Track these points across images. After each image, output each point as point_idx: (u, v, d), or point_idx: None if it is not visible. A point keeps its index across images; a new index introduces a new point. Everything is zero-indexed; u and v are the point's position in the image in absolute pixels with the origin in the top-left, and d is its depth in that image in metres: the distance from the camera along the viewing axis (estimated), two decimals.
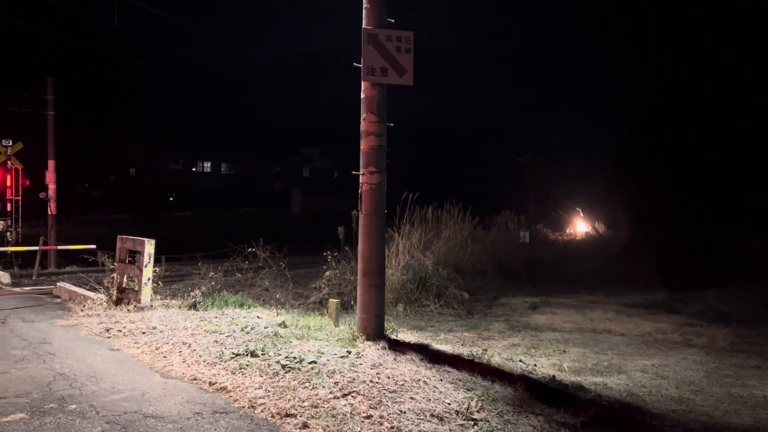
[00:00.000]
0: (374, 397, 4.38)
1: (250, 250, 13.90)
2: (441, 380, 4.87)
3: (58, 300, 9.48)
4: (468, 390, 4.68)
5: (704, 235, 23.09)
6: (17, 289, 11.19)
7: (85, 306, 8.51)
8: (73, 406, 4.29)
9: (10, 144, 18.08)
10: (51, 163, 19.14)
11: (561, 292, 13.41)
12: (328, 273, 12.13)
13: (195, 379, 4.99)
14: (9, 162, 18.09)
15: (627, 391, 5.54)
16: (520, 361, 6.29)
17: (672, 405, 5.17)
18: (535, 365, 6.21)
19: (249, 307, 8.22)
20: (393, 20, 6.13)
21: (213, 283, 10.37)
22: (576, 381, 5.62)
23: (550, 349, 7.50)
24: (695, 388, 5.81)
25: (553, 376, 5.62)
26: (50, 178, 19.06)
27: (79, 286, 10.12)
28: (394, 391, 4.53)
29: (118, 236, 8.80)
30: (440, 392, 4.58)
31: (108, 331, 6.82)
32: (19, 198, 18.33)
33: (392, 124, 6.25)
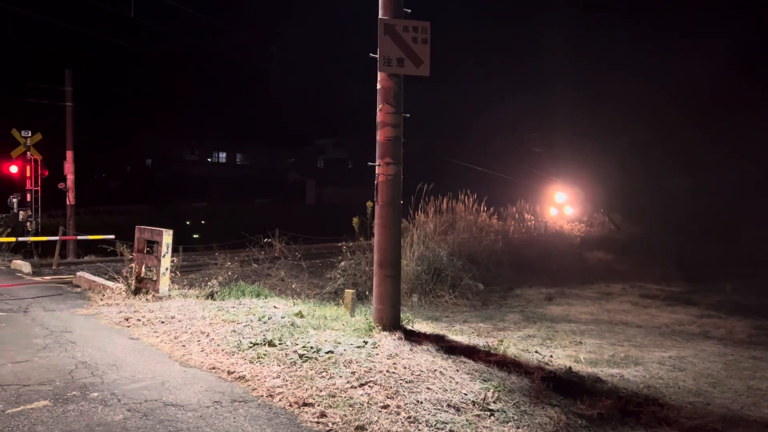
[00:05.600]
0: (391, 387, 4.41)
1: (265, 240, 14.02)
2: (457, 371, 4.89)
3: (78, 289, 9.62)
4: (484, 381, 4.69)
5: (723, 226, 22.83)
6: (38, 279, 11.36)
7: (104, 295, 8.63)
8: (95, 394, 4.37)
9: (29, 135, 18.32)
10: (69, 154, 19.36)
11: (577, 283, 13.36)
12: (343, 263, 12.18)
13: (214, 368, 5.05)
14: (28, 153, 18.34)
15: (644, 382, 5.52)
16: (536, 352, 6.29)
17: (690, 397, 5.15)
18: (551, 356, 6.21)
19: (266, 297, 8.28)
20: (409, 10, 6.10)
21: (230, 273, 10.47)
22: (592, 372, 5.61)
23: (566, 341, 7.49)
24: (713, 380, 5.78)
25: (570, 368, 5.61)
26: (68, 168, 19.29)
27: (99, 276, 10.26)
28: (411, 381, 4.55)
29: (137, 227, 8.90)
30: (456, 383, 4.60)
31: (127, 320, 6.91)
32: (39, 188, 18.58)
33: (408, 115, 6.24)
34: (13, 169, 18.38)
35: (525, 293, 12.08)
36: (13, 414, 3.96)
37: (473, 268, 12.57)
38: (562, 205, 30.62)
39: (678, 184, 27.29)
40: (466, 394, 4.36)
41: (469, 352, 5.51)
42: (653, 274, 14.58)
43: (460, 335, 6.69)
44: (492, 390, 4.45)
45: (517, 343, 6.87)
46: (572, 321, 9.14)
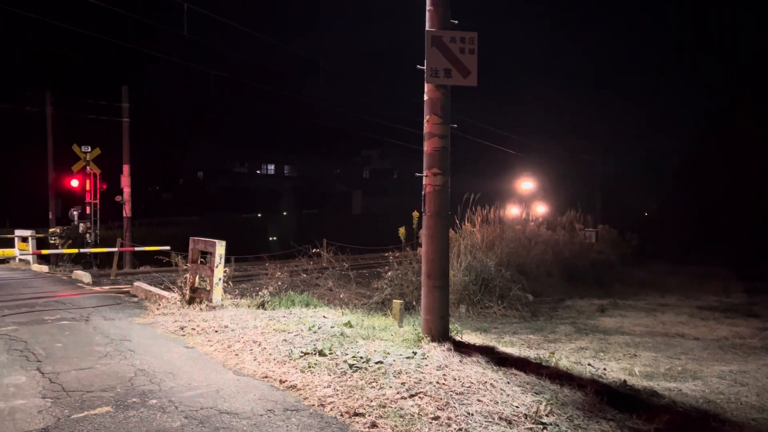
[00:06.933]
0: (441, 399, 4.40)
1: (314, 250, 14.20)
2: (508, 383, 4.84)
3: (135, 299, 9.95)
4: (536, 393, 4.63)
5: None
6: (97, 288, 11.80)
7: (160, 305, 8.89)
8: (154, 401, 4.51)
9: (89, 150, 19.10)
10: (126, 168, 20.11)
11: (630, 294, 13.03)
12: (389, 273, 12.22)
13: (266, 377, 5.14)
14: (88, 167, 19.11)
15: (703, 397, 5.34)
16: (589, 364, 6.16)
17: (753, 413, 4.95)
18: (605, 369, 6.07)
19: (315, 307, 8.38)
20: (456, 21, 6.12)
21: (279, 283, 10.65)
22: (648, 386, 5.46)
23: (619, 353, 7.31)
24: None
25: (624, 381, 5.48)
26: (125, 182, 20.03)
27: (154, 286, 10.58)
28: (461, 393, 4.53)
29: (191, 238, 9.15)
30: (508, 395, 4.55)
31: (182, 329, 7.11)
32: (98, 201, 19.33)
33: (456, 125, 6.25)
34: (74, 183, 19.19)
35: (576, 304, 11.84)
36: (77, 419, 4.13)
37: (522, 279, 12.41)
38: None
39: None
40: (517, 407, 4.31)
41: (520, 364, 5.44)
42: (711, 284, 14.07)
43: (510, 347, 6.62)
44: (544, 403, 4.39)
45: (569, 355, 6.74)
46: (626, 333, 8.91)
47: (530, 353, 6.19)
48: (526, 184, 24.34)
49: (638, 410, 4.47)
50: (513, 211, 15.26)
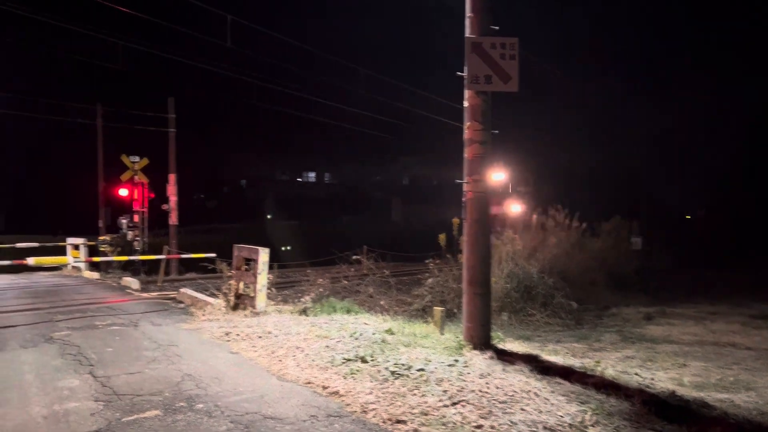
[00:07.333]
0: (484, 407, 4.37)
1: (354, 257, 14.29)
2: (552, 392, 4.77)
3: (182, 305, 10.18)
4: (581, 403, 4.55)
5: None
6: (145, 295, 12.12)
7: (205, 311, 9.09)
8: (200, 405, 4.61)
9: (137, 160, 19.68)
10: (172, 177, 20.64)
11: (678, 301, 12.67)
12: (430, 280, 12.19)
13: (309, 383, 5.19)
14: (136, 177, 19.68)
15: (757, 409, 5.14)
16: (636, 374, 6.02)
17: None
18: (653, 379, 5.91)
19: (356, 314, 8.43)
20: (497, 27, 6.10)
21: (321, 290, 10.74)
22: (698, 397, 5.29)
23: (668, 363, 7.11)
24: None
25: (673, 391, 5.32)
26: (171, 190, 20.55)
27: (200, 292, 10.81)
28: (504, 402, 4.49)
29: (235, 245, 9.33)
30: (552, 404, 4.49)
31: (227, 335, 7.24)
32: (145, 210, 19.88)
33: (497, 131, 6.22)
34: (123, 192, 19.79)
35: (622, 312, 11.58)
36: (128, 422, 4.25)
37: (565, 286, 12.19)
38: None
39: None
40: (562, 417, 4.25)
41: (564, 373, 5.36)
42: (765, 292, 13.56)
43: (553, 355, 6.52)
44: (590, 413, 4.31)
45: (615, 364, 6.60)
46: (674, 342, 8.66)
47: (575, 362, 6.09)
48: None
49: (688, 422, 4.34)
50: (555, 216, 15.01)
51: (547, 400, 4.58)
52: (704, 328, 9.81)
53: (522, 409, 4.36)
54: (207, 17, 14.30)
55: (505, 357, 5.82)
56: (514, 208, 20.51)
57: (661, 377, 6.16)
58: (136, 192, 19.77)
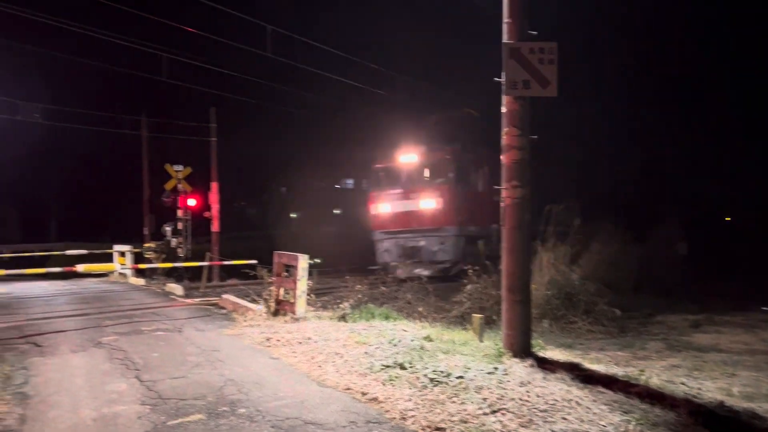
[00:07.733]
0: (524, 416, 4.32)
1: (392, 264, 14.30)
2: (594, 401, 4.68)
3: (224, 311, 10.37)
4: (625, 413, 4.46)
5: None
6: (188, 300, 12.39)
7: (246, 316, 9.23)
8: (243, 410, 4.70)
9: (181, 169, 20.17)
10: (214, 185, 21.08)
11: (727, 308, 12.24)
12: (468, 287, 12.08)
13: (348, 389, 5.23)
14: (179, 185, 20.17)
15: None
16: (682, 383, 5.85)
17: None
18: (700, 389, 5.74)
19: (394, 320, 8.44)
20: (536, 32, 6.06)
21: (359, 296, 10.78)
22: (749, 408, 5.12)
23: (716, 372, 6.88)
24: None
25: (722, 402, 5.16)
26: (213, 198, 20.99)
27: (241, 298, 10.99)
28: (545, 411, 4.43)
29: (275, 252, 9.47)
30: (594, 414, 4.41)
31: (268, 340, 7.35)
32: (189, 217, 20.33)
33: (536, 137, 6.16)
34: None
35: (667, 320, 11.27)
36: (173, 426, 4.36)
37: (608, 293, 11.93)
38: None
39: None
40: (605, 426, 4.17)
41: (607, 382, 5.26)
42: None
43: (596, 364, 6.40)
44: (634, 423, 4.22)
45: (660, 373, 6.42)
46: (723, 351, 8.38)
47: (618, 371, 5.97)
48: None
49: None
50: (599, 222, 14.73)
51: (589, 409, 4.50)
52: (755, 336, 9.46)
53: (563, 418, 4.30)
54: (248, 29, 14.59)
55: (546, 365, 5.74)
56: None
57: (709, 387, 5.98)
58: (179, 200, 20.24)
